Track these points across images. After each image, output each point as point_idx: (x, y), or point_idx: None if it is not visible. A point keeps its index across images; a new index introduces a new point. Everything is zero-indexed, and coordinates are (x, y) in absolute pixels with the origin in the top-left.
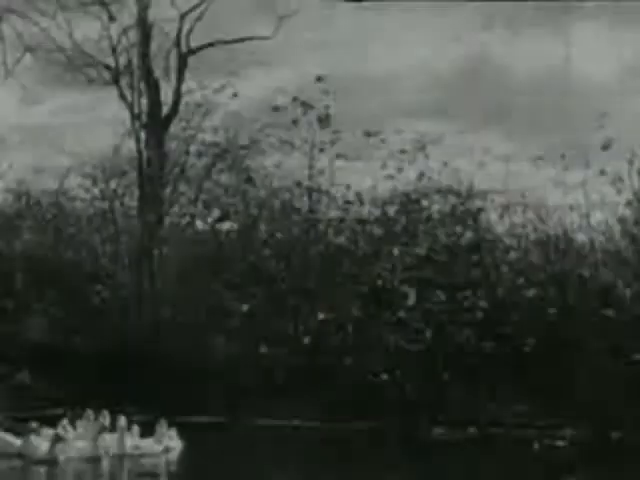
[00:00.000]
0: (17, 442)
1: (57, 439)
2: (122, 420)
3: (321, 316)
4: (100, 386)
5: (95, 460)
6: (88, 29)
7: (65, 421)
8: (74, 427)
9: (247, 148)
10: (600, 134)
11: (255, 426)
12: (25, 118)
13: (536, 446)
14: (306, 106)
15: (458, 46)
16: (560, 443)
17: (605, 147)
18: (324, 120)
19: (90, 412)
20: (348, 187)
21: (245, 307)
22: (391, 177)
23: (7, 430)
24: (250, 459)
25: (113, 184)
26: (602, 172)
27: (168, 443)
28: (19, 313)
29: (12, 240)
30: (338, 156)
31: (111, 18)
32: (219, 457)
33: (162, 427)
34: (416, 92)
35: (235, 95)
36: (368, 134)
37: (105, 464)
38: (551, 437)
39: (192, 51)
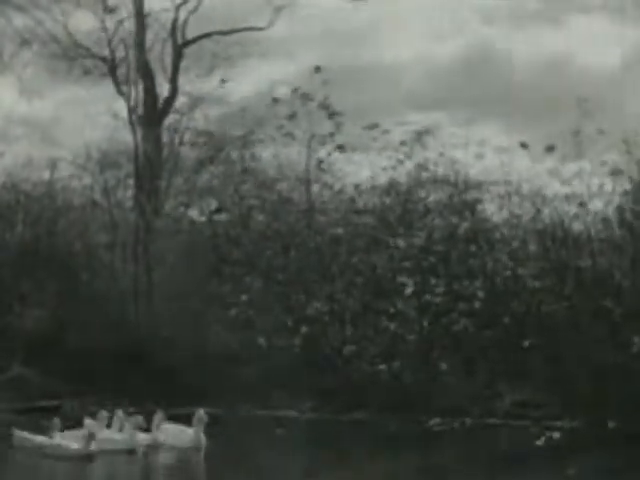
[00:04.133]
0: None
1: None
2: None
3: (319, 306)
4: (97, 378)
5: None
6: (83, 21)
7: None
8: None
9: (243, 139)
10: (598, 124)
11: (253, 417)
12: (21, 110)
13: (542, 440)
14: (305, 97)
15: (459, 38)
16: (557, 433)
17: (600, 133)
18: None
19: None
20: (346, 178)
21: (243, 298)
22: (389, 168)
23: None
24: (242, 449)
25: (108, 175)
26: (600, 162)
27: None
28: (14, 304)
29: (5, 232)
30: (336, 147)
31: (110, 10)
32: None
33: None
34: (415, 83)
35: (224, 81)
36: (369, 126)
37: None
38: (549, 428)
39: (188, 42)
